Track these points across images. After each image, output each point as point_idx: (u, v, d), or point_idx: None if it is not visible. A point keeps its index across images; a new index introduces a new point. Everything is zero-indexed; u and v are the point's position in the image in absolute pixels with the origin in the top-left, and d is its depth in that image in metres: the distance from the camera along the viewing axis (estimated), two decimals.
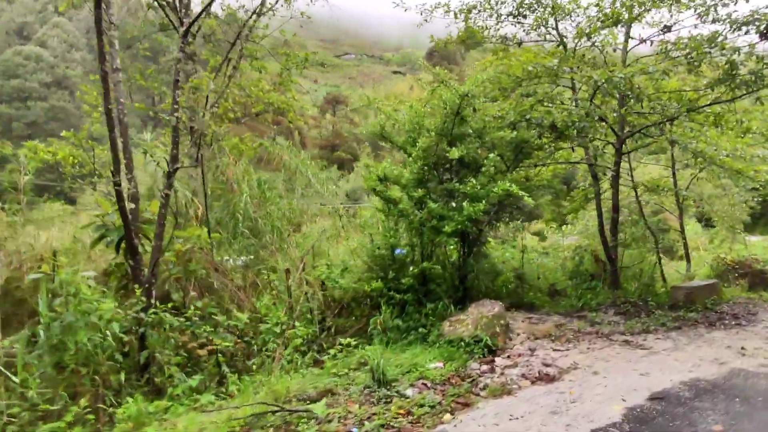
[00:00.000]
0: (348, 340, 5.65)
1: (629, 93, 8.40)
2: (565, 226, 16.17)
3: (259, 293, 7.02)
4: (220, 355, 5.37)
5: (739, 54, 7.92)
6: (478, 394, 4.67)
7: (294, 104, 12.21)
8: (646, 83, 8.86)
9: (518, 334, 6.50)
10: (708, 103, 8.89)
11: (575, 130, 7.51)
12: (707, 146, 10.96)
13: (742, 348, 6.50)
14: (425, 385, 4.94)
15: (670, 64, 7.74)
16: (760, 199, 25.11)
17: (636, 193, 14.01)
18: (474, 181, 6.64)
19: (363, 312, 7.26)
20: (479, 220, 7.54)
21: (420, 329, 6.52)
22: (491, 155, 6.71)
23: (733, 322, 8.51)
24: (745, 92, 8.66)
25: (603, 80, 6.86)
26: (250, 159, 10.13)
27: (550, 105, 8.25)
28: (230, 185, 8.74)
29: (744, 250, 17.47)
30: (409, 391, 4.67)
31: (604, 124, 10.00)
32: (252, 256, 8.68)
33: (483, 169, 6.75)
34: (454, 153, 6.40)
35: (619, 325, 7.67)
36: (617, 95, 9.52)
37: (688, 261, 14.61)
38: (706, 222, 23.66)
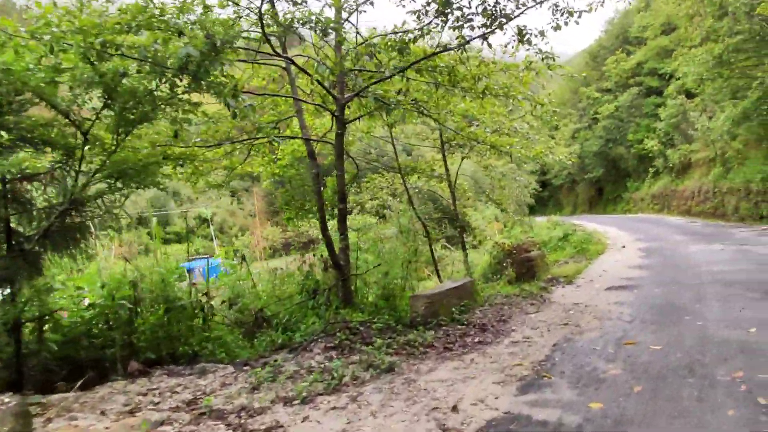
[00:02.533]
0: None
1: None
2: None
3: None
4: None
5: None
6: None
7: None
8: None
9: None
10: (433, 52, 6.68)
11: (202, 71, 4.42)
12: (456, 116, 9.09)
13: (454, 408, 4.07)
14: None
15: None
16: (538, 181, 26.22)
17: (403, 178, 12.00)
18: None
19: None
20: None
21: None
22: None
23: (477, 340, 6.38)
24: (476, 35, 6.64)
25: None
26: None
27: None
28: None
29: (524, 233, 17.07)
30: None
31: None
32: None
33: None
34: None
35: (301, 378, 4.84)
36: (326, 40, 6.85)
37: (465, 250, 13.13)
38: (502, 207, 23.75)
